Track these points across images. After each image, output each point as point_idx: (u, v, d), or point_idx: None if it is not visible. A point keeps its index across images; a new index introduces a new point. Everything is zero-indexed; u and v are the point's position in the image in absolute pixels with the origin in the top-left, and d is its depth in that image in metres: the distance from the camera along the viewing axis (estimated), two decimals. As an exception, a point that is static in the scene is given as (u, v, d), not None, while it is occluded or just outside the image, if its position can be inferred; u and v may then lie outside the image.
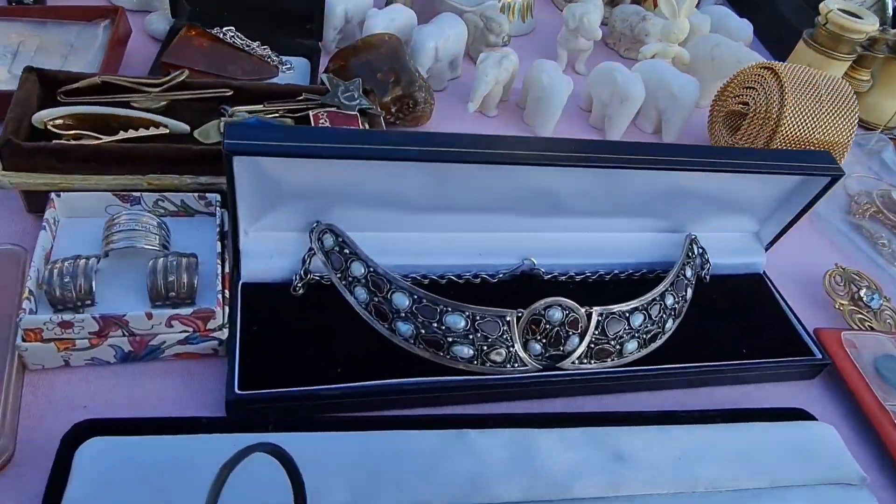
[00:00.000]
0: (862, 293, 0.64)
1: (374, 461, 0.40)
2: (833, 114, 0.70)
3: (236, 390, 0.43)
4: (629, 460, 0.44)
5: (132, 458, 0.38)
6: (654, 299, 0.52)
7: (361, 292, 0.49)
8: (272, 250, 0.51)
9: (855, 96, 0.71)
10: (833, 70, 0.86)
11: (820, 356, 0.56)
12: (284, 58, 0.75)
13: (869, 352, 0.59)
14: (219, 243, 0.49)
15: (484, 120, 0.80)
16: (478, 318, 0.47)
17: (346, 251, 0.50)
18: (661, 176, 0.52)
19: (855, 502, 0.46)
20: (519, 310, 0.48)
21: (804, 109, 0.69)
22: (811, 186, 0.57)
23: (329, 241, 0.50)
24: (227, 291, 0.48)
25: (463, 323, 0.47)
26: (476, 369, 0.48)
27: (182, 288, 0.46)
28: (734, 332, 0.57)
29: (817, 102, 0.70)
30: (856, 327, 0.62)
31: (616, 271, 0.58)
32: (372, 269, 0.49)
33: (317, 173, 0.47)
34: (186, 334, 0.45)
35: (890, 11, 0.97)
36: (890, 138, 0.94)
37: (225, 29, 0.73)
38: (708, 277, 0.60)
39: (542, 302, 0.48)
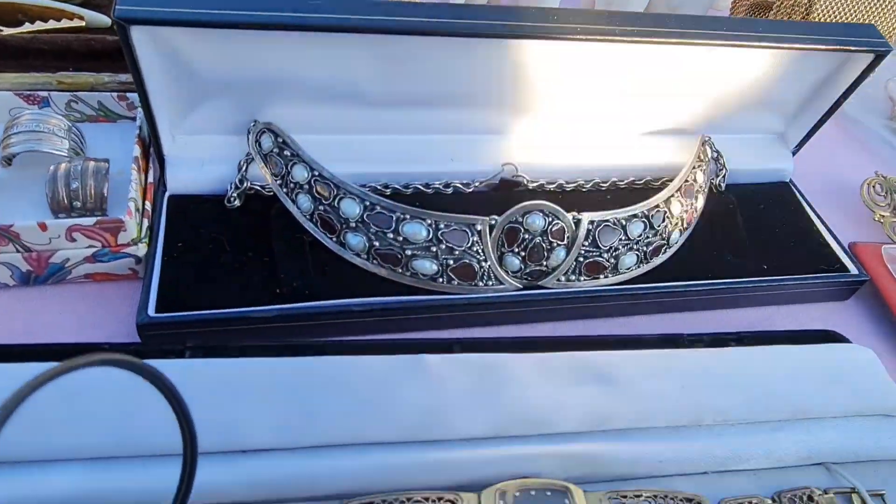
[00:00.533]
0: (907, 203, 0.55)
1: (307, 391, 0.33)
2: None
3: (149, 312, 0.37)
4: (622, 390, 0.36)
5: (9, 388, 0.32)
6: (657, 206, 0.44)
7: (305, 200, 0.41)
8: (203, 157, 0.44)
9: (903, -25, 0.60)
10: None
11: (856, 272, 0.48)
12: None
13: (915, 268, 0.50)
14: (137, 147, 0.42)
15: None
16: (441, 226, 0.39)
17: (287, 153, 0.42)
18: (668, 55, 0.43)
19: (892, 436, 0.38)
20: (492, 217, 0.40)
21: (841, -9, 0.59)
22: (850, 68, 0.47)
23: (267, 142, 0.43)
24: (147, 203, 0.41)
25: (424, 233, 0.39)
26: (441, 288, 0.40)
27: (89, 197, 0.39)
28: (754, 246, 0.48)
29: (856, -18, 0.59)
30: (898, 241, 0.53)
31: (615, 179, 0.50)
32: (317, 174, 0.41)
33: (243, 55, 0.39)
34: (94, 250, 0.38)
35: None
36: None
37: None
38: (724, 185, 0.51)
39: (520, 207, 0.40)
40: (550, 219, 0.40)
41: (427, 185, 0.46)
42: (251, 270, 0.40)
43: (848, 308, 0.49)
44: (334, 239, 0.41)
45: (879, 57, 0.45)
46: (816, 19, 0.60)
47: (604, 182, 0.50)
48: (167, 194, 0.43)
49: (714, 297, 0.45)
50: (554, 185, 0.49)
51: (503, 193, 0.48)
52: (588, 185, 0.49)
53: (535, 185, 0.48)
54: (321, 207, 0.41)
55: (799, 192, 0.54)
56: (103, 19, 0.48)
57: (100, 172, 0.40)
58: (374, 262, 0.40)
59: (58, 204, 0.39)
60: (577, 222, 0.41)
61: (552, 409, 0.35)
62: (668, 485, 0.35)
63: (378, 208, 0.40)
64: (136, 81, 0.38)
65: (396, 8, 0.38)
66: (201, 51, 0.38)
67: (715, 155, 0.51)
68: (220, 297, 0.39)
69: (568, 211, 0.41)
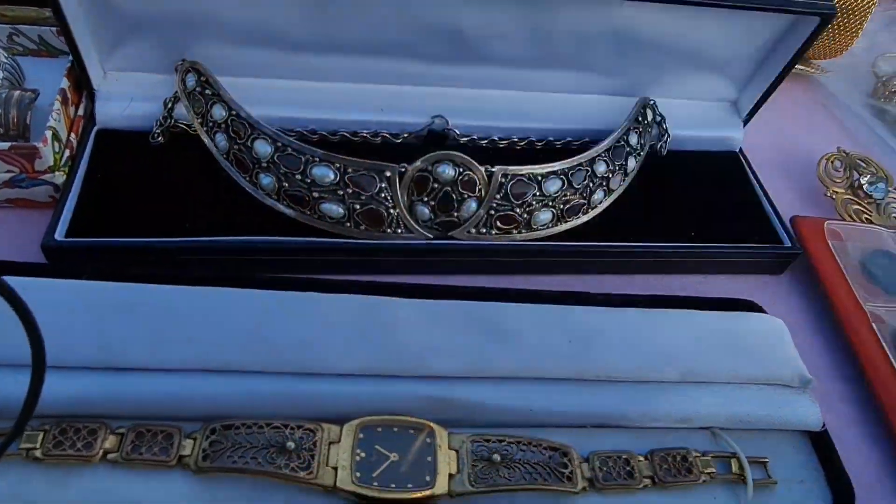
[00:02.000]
0: (864, 180, 0.53)
1: (187, 317, 0.34)
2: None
3: (56, 236, 0.38)
4: (506, 340, 0.37)
5: None
6: (579, 164, 0.43)
7: (222, 139, 0.42)
8: (134, 93, 0.44)
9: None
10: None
11: (789, 245, 0.47)
12: None
13: (857, 245, 0.49)
14: (66, 80, 0.43)
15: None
16: (349, 170, 0.39)
17: (208, 92, 0.43)
18: (593, 10, 0.42)
19: (788, 406, 0.37)
20: (402, 164, 0.40)
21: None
22: (797, 31, 0.45)
23: (191, 80, 0.43)
24: (73, 135, 0.43)
25: (332, 175, 0.39)
26: (349, 232, 0.41)
27: (11, 125, 0.40)
28: (688, 213, 0.47)
29: (836, -52, 0.57)
30: (848, 219, 0.51)
31: (551, 137, 0.49)
32: (234, 113, 0.41)
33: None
34: (11, 175, 0.40)
35: None
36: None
37: None
38: (665, 150, 0.50)
39: (431, 155, 0.40)
40: (461, 169, 0.40)
41: (355, 134, 0.47)
42: (165, 205, 0.41)
43: (779, 282, 0.48)
44: (247, 178, 0.41)
45: (826, 20, 0.43)
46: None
47: (539, 141, 0.49)
48: (96, 128, 0.44)
49: (633, 261, 0.45)
50: (486, 141, 0.48)
51: (433, 146, 0.47)
52: (522, 143, 0.49)
53: (465, 139, 0.48)
54: (236, 146, 0.41)
55: (747, 162, 0.52)
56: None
57: (23, 102, 0.41)
58: (284, 202, 0.41)
59: (-21, 129, 0.40)
60: (490, 175, 0.40)
61: (431, 352, 0.35)
62: (543, 436, 0.35)
63: (289, 150, 0.40)
64: (57, 16, 0.39)
65: None
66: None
67: (658, 119, 0.50)
68: (130, 227, 0.40)
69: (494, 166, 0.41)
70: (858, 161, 0.55)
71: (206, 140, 0.43)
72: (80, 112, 0.44)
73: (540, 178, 0.42)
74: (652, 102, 0.49)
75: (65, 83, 0.43)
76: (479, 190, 0.41)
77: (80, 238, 0.39)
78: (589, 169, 0.43)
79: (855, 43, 0.61)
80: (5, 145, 0.38)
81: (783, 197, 0.53)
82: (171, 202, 0.41)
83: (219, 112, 0.42)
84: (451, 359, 0.35)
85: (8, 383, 0.31)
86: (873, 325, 0.44)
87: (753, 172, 0.51)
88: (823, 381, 0.43)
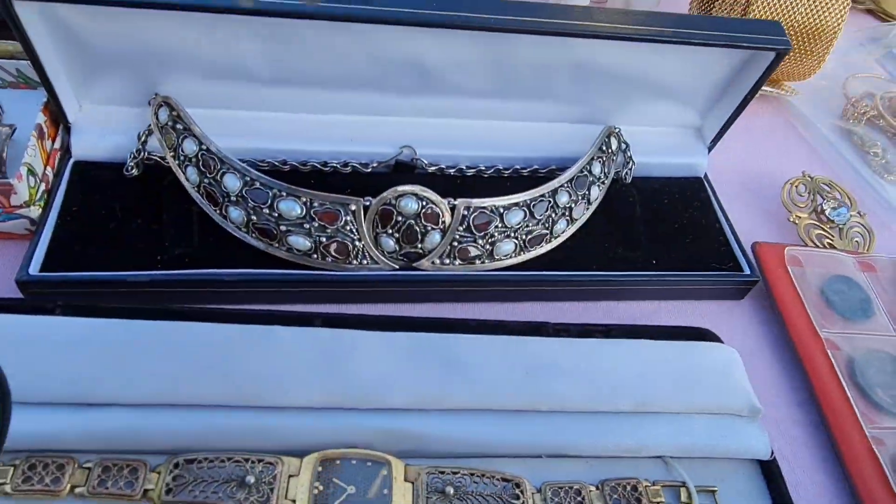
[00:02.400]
0: (826, 205, 0.54)
1: (155, 352, 0.36)
2: (819, -9, 0.58)
3: (30, 270, 0.39)
4: (462, 372, 0.38)
5: None
6: (541, 195, 0.44)
7: (193, 172, 0.43)
8: (108, 126, 0.46)
9: (850, -31, 0.58)
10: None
11: (748, 272, 0.48)
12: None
13: (818, 271, 0.50)
14: (42, 114, 0.44)
15: None
16: (315, 204, 0.40)
17: (180, 126, 0.44)
18: (552, 45, 0.44)
19: (738, 435, 0.38)
20: (367, 198, 0.41)
21: (782, -16, 0.58)
22: (754, 65, 0.46)
23: (164, 115, 0.44)
24: (50, 168, 0.44)
25: (298, 209, 0.41)
26: (317, 264, 0.42)
27: (-12, 160, 0.42)
28: (649, 240, 0.49)
29: (801, -24, 0.58)
30: (811, 244, 0.53)
31: (517, 165, 0.51)
32: (204, 147, 0.43)
33: (131, 31, 0.41)
34: (-12, 210, 0.41)
35: None
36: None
37: None
38: (629, 177, 0.51)
39: (393, 190, 0.41)
40: (424, 203, 0.41)
41: (325, 164, 0.48)
42: (138, 237, 0.42)
43: (741, 307, 0.49)
44: (218, 211, 0.43)
45: (780, 55, 0.44)
46: (756, 10, 0.58)
47: (506, 169, 0.50)
48: (72, 160, 0.45)
49: (594, 289, 0.46)
50: (454, 170, 0.50)
51: (402, 176, 0.49)
52: (489, 172, 0.50)
53: (433, 168, 0.49)
54: (206, 180, 0.42)
55: (711, 188, 0.53)
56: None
57: (2, 138, 0.42)
58: (253, 235, 0.42)
59: (-42, 166, 0.41)
60: (453, 207, 0.42)
61: (388, 385, 0.37)
62: (499, 466, 0.36)
63: (257, 184, 0.41)
64: (28, 53, 0.40)
65: None
66: (90, 26, 0.40)
67: (623, 146, 0.51)
68: (104, 260, 0.41)
69: (459, 196, 0.42)
70: (823, 185, 0.56)
71: (178, 173, 0.44)
72: (57, 145, 0.46)
73: (502, 210, 0.43)
74: (617, 130, 0.50)
75: (41, 118, 0.44)
76: (442, 222, 0.42)
77: (54, 273, 0.40)
78: (551, 200, 0.45)
79: (823, 66, 0.62)
80: (-20, 183, 0.40)
81: (747, 221, 0.54)
82: (144, 235, 0.42)
83: (190, 146, 0.43)
84: (408, 391, 0.37)
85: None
86: (828, 351, 0.45)
87: (717, 198, 0.53)
88: (778, 407, 0.44)
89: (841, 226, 0.54)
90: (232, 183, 0.41)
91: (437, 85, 0.47)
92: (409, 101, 0.48)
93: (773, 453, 0.39)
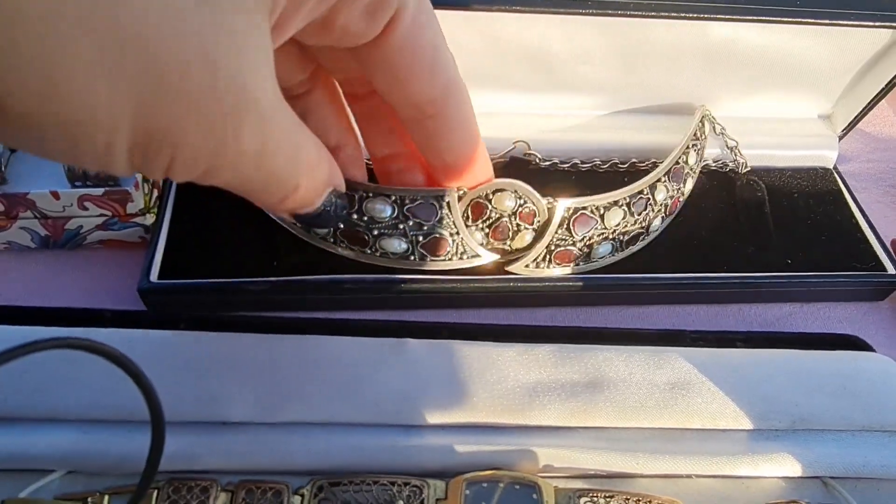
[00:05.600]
0: (969, 196, 0.50)
1: (289, 369, 0.34)
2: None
3: (151, 278, 0.38)
4: (606, 387, 0.36)
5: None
6: (640, 192, 0.41)
7: None
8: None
9: None
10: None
11: (893, 271, 0.44)
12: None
13: (966, 269, 0.46)
14: (150, 117, 0.43)
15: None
16: (407, 201, 0.38)
17: None
18: (685, 30, 0.40)
19: (904, 456, 0.35)
20: (460, 188, 0.38)
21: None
22: (878, 73, 0.43)
23: None
24: (158, 172, 0.43)
25: (389, 210, 0.38)
26: (414, 266, 0.39)
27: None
28: (781, 238, 0.45)
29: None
30: (954, 239, 0.48)
31: (634, 160, 0.48)
32: None
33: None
34: (105, 218, 0.40)
35: None
36: None
37: None
38: (744, 167, 0.48)
39: (492, 183, 0.38)
40: (522, 200, 0.38)
41: (434, 163, 0.46)
42: (250, 243, 0.41)
43: (881, 310, 0.46)
44: (300, 224, 0.40)
45: (939, 36, 0.40)
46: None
47: (623, 163, 0.47)
48: (179, 163, 0.44)
49: (723, 292, 0.43)
50: (568, 165, 0.47)
51: (514, 173, 0.46)
52: (605, 167, 0.47)
53: (547, 163, 0.47)
54: None
55: (843, 180, 0.50)
56: None
57: (112, 143, 0.41)
58: (342, 244, 0.39)
59: (73, 173, 0.40)
60: (551, 207, 0.39)
61: (531, 401, 0.35)
62: (647, 486, 0.34)
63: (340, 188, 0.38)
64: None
65: None
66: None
67: (720, 131, 0.47)
68: (220, 266, 0.40)
69: (576, 191, 0.40)
70: (961, 174, 0.52)
71: None
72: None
73: (602, 211, 0.40)
74: (709, 113, 0.47)
75: (149, 121, 0.43)
76: (538, 221, 0.39)
77: (173, 280, 0.39)
78: (650, 195, 0.41)
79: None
80: (99, 191, 0.39)
81: (882, 216, 0.50)
82: (256, 240, 0.41)
83: None
84: (551, 407, 0.35)
85: (121, 440, 0.32)
86: None
87: (850, 190, 0.49)
88: (934, 420, 0.41)
89: None
90: None
91: (558, 76, 0.44)
92: (527, 93, 0.45)
93: (943, 473, 0.36)
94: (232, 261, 0.40)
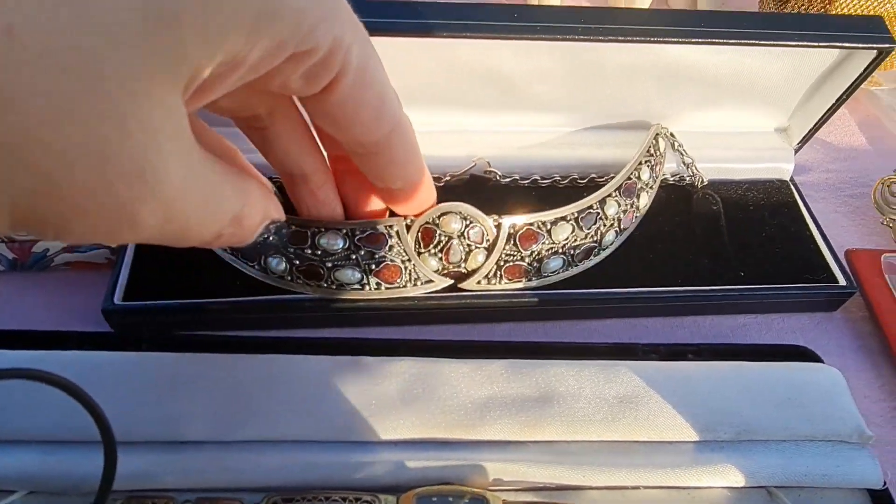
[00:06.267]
0: (923, 206, 0.51)
1: (245, 387, 0.35)
2: (913, -27, 0.54)
3: (114, 300, 0.39)
4: (559, 401, 0.37)
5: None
6: (589, 207, 0.42)
7: None
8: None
9: (947, -51, 0.54)
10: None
11: (844, 284, 0.45)
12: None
13: (917, 279, 0.47)
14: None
15: None
16: (357, 232, 0.39)
17: None
18: (638, 52, 0.41)
19: (847, 463, 0.36)
20: (408, 217, 0.39)
21: (872, -33, 0.54)
22: (852, 64, 0.43)
23: None
24: (124, 194, 0.44)
25: (341, 242, 0.39)
26: (371, 294, 0.40)
27: (67, 190, 0.41)
28: (736, 250, 0.46)
29: (892, -42, 0.54)
30: (908, 248, 0.50)
31: (594, 175, 0.49)
32: None
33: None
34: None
35: None
36: None
37: None
38: (702, 180, 0.49)
39: (437, 208, 0.39)
40: (468, 221, 0.39)
41: (397, 180, 0.47)
42: (214, 262, 0.42)
43: (833, 320, 0.47)
44: (256, 266, 0.40)
45: (882, 53, 0.41)
46: (838, 9, 0.55)
47: (582, 178, 0.48)
48: (146, 185, 0.45)
49: (676, 305, 0.44)
50: (528, 181, 0.48)
51: (475, 189, 0.47)
52: (565, 182, 0.48)
53: (507, 180, 0.48)
54: None
55: (799, 191, 0.51)
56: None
57: (78, 166, 0.42)
58: (299, 281, 0.40)
59: (39, 196, 0.41)
60: (499, 226, 0.40)
61: (482, 416, 0.36)
62: (595, 498, 0.35)
63: (293, 226, 0.39)
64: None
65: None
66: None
67: (677, 146, 0.48)
68: (183, 286, 0.41)
69: (536, 207, 0.41)
70: (917, 183, 0.53)
71: None
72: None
73: (549, 226, 0.41)
74: (665, 130, 0.48)
75: (115, 144, 0.44)
76: (487, 241, 0.40)
77: (137, 302, 0.40)
78: (599, 210, 0.42)
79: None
80: (63, 215, 0.39)
81: (839, 227, 0.51)
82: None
83: None
84: (504, 422, 0.36)
85: (81, 460, 0.33)
86: (934, 366, 0.43)
87: (805, 202, 0.50)
88: (882, 428, 0.42)
89: (939, 228, 0.50)
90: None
91: (516, 96, 0.45)
92: (485, 112, 0.46)
93: (885, 482, 0.37)
94: (195, 280, 0.41)
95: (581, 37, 0.38)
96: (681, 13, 0.42)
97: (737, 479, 0.36)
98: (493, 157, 0.47)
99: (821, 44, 0.41)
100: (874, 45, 0.41)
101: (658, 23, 0.40)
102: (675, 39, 0.40)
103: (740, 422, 0.37)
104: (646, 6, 0.66)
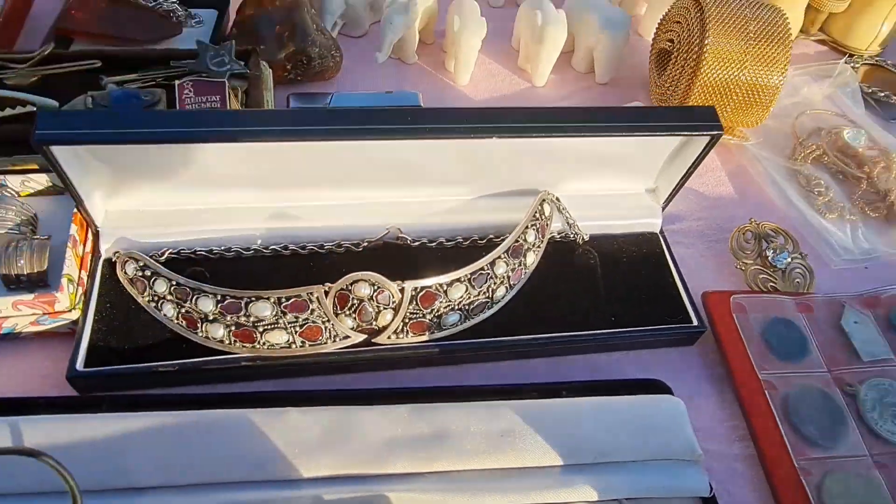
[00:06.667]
0: (769, 251, 0.60)
1: (190, 439, 0.43)
2: (761, 56, 0.64)
3: (77, 367, 0.46)
4: (450, 437, 0.45)
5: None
6: (480, 269, 0.50)
7: (168, 307, 0.48)
8: (130, 227, 0.52)
9: (790, 33, 0.64)
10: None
11: (696, 323, 0.55)
12: (194, 10, 0.74)
13: (760, 316, 0.56)
14: (74, 225, 0.51)
15: (402, 68, 0.76)
16: (283, 299, 0.46)
17: (148, 273, 0.49)
18: (515, 142, 0.50)
19: (682, 477, 0.45)
20: (326, 284, 0.47)
21: (726, 49, 0.63)
22: (694, 145, 0.53)
23: (130, 268, 0.50)
24: (83, 271, 0.51)
25: (269, 309, 0.46)
26: (298, 352, 0.48)
27: (32, 272, 0.48)
28: (609, 298, 0.55)
29: (744, 41, 0.63)
30: (756, 288, 0.59)
31: (491, 236, 0.57)
32: (174, 283, 0.48)
33: (147, 155, 0.47)
34: (36, 316, 0.48)
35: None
36: (871, 65, 0.85)
37: (130, -18, 0.72)
38: (583, 237, 0.58)
39: (349, 276, 0.47)
40: (376, 287, 0.47)
41: (321, 247, 0.55)
42: (164, 328, 0.49)
43: (692, 353, 0.56)
44: (200, 334, 0.48)
45: (715, 138, 0.51)
46: (704, 73, 0.64)
47: (481, 239, 0.57)
48: (101, 259, 0.52)
49: (559, 347, 0.53)
50: (435, 244, 0.56)
51: (390, 252, 0.55)
52: (466, 243, 0.57)
53: (417, 243, 0.56)
54: (182, 309, 0.48)
55: (666, 242, 0.60)
56: (52, 103, 0.56)
57: (42, 249, 0.49)
58: (236, 345, 0.47)
59: (8, 279, 0.48)
60: (402, 290, 0.48)
61: (388, 453, 0.44)
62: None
63: (229, 298, 0.46)
64: (61, 179, 0.46)
65: (254, 118, 0.46)
66: (110, 155, 0.47)
67: (562, 209, 0.56)
68: (138, 351, 0.48)
69: (448, 267, 0.49)
70: (768, 231, 0.62)
71: (154, 314, 0.49)
72: (88, 248, 0.52)
73: (445, 288, 0.49)
74: (551, 196, 0.56)
75: (73, 229, 0.50)
76: (394, 302, 0.48)
77: (96, 368, 0.47)
78: (490, 271, 0.51)
79: (767, 117, 0.68)
80: (30, 296, 0.46)
81: (703, 270, 0.61)
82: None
83: (160, 286, 0.48)
84: (406, 457, 0.44)
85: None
86: (766, 391, 0.52)
87: (671, 252, 0.59)
88: (722, 443, 0.51)
89: (783, 269, 0.60)
90: (206, 305, 0.47)
91: (421, 175, 0.53)
92: (397, 188, 0.54)
93: (712, 490, 0.46)
94: (148, 346, 0.48)
95: (463, 136, 0.47)
96: (551, 112, 0.50)
97: (595, 495, 0.45)
98: (404, 225, 0.55)
99: (665, 133, 0.50)
100: (707, 133, 0.50)
101: (531, 120, 0.48)
102: (545, 134, 0.48)
103: (598, 448, 0.46)
104: (543, 83, 0.76)
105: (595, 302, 0.55)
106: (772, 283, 0.60)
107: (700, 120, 0.50)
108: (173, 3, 0.73)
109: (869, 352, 0.56)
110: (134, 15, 0.70)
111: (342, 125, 0.46)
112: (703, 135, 0.50)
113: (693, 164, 0.54)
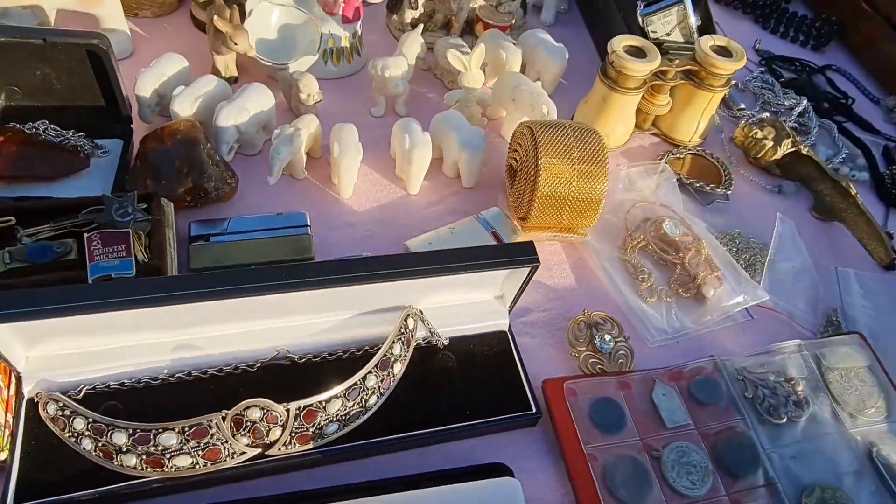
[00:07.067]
0: (597, 338, 0.74)
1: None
2: (585, 173, 0.78)
3: (7, 503, 0.55)
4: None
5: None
6: (354, 384, 0.62)
7: (87, 442, 0.57)
8: (50, 370, 0.61)
9: (606, 153, 0.79)
10: (626, 101, 0.93)
11: (534, 410, 0.68)
12: (100, 141, 0.82)
13: (587, 396, 0.70)
14: (-3, 373, 0.59)
15: (293, 184, 0.87)
16: (186, 428, 0.56)
17: (67, 412, 0.57)
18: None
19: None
20: (223, 411, 0.57)
21: (556, 170, 0.77)
22: (520, 272, 0.66)
23: (52, 407, 0.58)
24: (8, 414, 0.59)
25: (175, 438, 0.56)
26: (202, 471, 0.58)
27: (-38, 421, 0.56)
28: (463, 394, 0.68)
29: (570, 162, 0.78)
30: (587, 371, 0.73)
31: (367, 347, 0.69)
32: (90, 420, 0.56)
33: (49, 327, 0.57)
34: (-32, 460, 0.56)
35: (694, 28, 1.02)
36: (694, 154, 1.01)
37: (38, 123, 0.79)
38: (443, 342, 0.70)
39: (242, 403, 0.57)
40: (265, 410, 0.58)
41: (220, 371, 0.65)
42: (83, 461, 0.58)
43: (535, 434, 0.69)
44: (116, 463, 0.57)
45: (534, 269, 0.64)
46: (542, 188, 0.78)
47: (358, 350, 0.68)
48: (25, 399, 0.60)
49: (420, 440, 0.65)
50: (319, 359, 0.67)
51: (282, 369, 0.66)
52: (346, 356, 0.68)
53: (303, 360, 0.67)
54: (100, 443, 0.56)
55: (513, 338, 0.73)
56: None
57: (-31, 401, 0.57)
58: (148, 470, 0.56)
59: (-60, 429, 0.56)
60: (288, 410, 0.59)
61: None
62: None
63: (139, 431, 0.56)
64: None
65: (169, 284, 0.56)
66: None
67: (425, 321, 0.68)
68: (63, 483, 0.57)
69: (332, 378, 0.60)
70: (598, 319, 0.76)
71: (74, 448, 0.57)
72: (12, 391, 0.60)
73: (324, 404, 0.60)
74: (414, 311, 0.68)
75: (-3, 377, 0.59)
76: (282, 421, 0.59)
77: (26, 502, 0.55)
78: (362, 385, 0.62)
79: (600, 215, 0.82)
80: (-39, 446, 0.55)
81: (547, 358, 0.74)
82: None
83: (79, 423, 0.57)
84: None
85: None
86: (589, 463, 0.66)
87: (517, 347, 0.72)
88: (556, 511, 0.64)
89: (608, 353, 0.74)
90: (119, 438, 0.56)
91: (300, 308, 0.64)
92: (281, 318, 0.65)
93: (540, 554, 0.59)
94: (71, 475, 0.57)
95: (327, 286, 0.58)
96: (406, 257, 0.62)
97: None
98: (291, 345, 0.66)
99: (493, 269, 0.63)
100: (528, 265, 0.63)
101: (388, 267, 0.60)
102: (391, 279, 0.60)
103: (446, 530, 0.58)
104: (416, 192, 0.87)
105: (451, 400, 0.67)
106: (600, 366, 0.73)
107: (522, 255, 0.64)
108: (81, 137, 0.81)
109: (672, 419, 0.70)
110: (43, 155, 0.78)
111: (229, 286, 0.56)
112: (524, 266, 0.64)
113: (524, 281, 0.67)
